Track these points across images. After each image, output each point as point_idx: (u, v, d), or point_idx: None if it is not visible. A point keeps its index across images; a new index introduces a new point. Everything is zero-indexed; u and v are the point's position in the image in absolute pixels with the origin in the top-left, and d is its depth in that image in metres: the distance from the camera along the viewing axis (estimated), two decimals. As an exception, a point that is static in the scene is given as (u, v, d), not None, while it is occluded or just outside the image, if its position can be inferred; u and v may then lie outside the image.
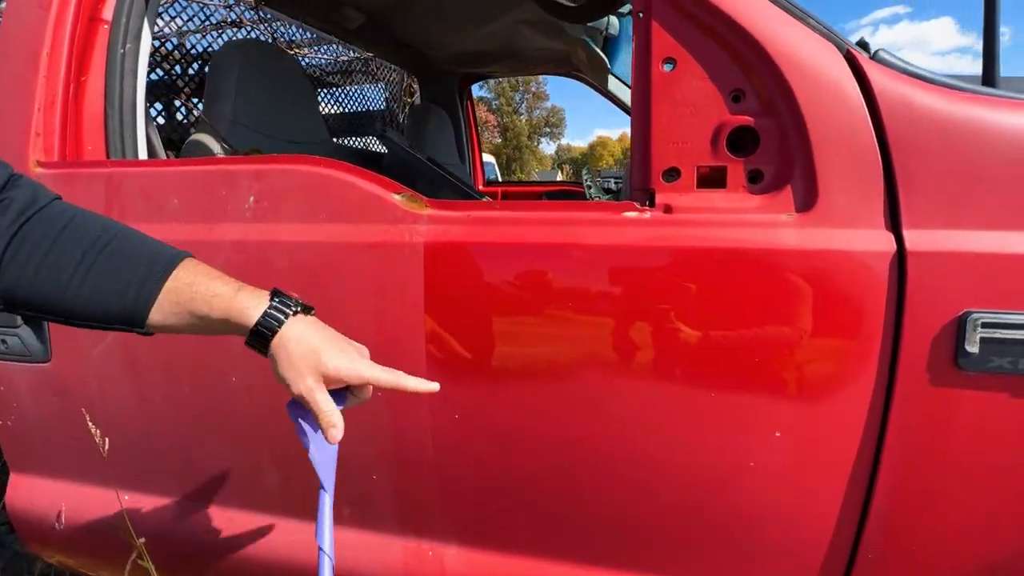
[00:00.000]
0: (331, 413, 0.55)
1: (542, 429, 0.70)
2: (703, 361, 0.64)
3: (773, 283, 0.61)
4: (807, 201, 0.62)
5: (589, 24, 1.67)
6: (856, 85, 0.62)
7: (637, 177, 0.70)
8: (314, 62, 2.25)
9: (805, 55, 0.63)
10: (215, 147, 1.27)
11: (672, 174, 0.68)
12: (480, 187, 2.71)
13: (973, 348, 0.55)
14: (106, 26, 1.03)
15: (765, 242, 0.61)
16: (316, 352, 0.56)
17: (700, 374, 0.64)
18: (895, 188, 0.59)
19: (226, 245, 0.79)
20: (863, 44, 0.79)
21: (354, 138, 2.40)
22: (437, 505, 0.78)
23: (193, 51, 1.75)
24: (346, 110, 2.46)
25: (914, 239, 0.57)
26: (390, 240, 0.73)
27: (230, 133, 1.31)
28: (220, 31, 1.74)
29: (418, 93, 2.67)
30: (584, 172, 2.51)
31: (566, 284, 0.67)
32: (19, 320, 0.93)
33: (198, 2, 1.66)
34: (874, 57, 0.64)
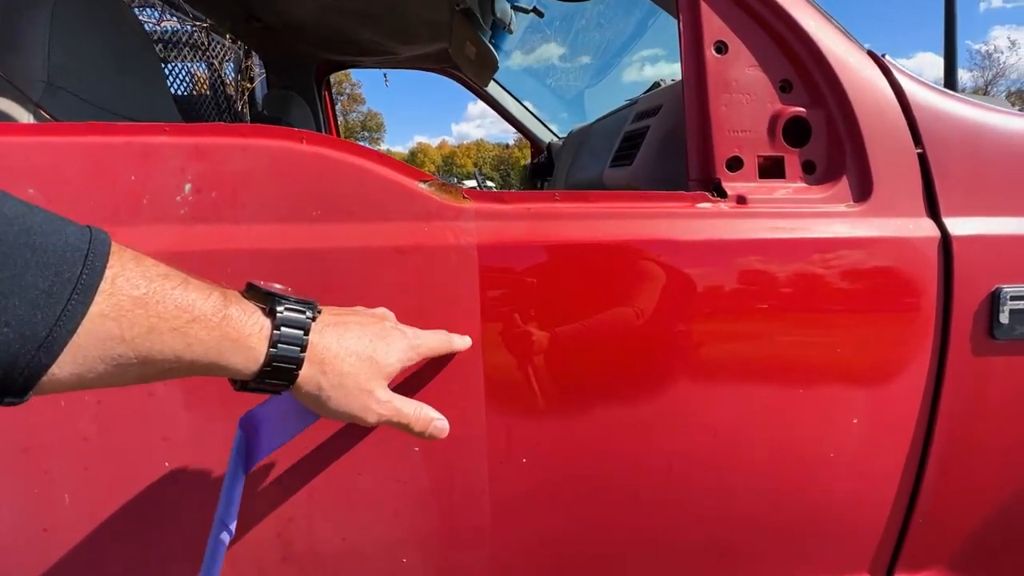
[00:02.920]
0: (427, 415, 0.47)
1: (637, 461, 0.60)
2: (789, 353, 0.61)
3: (847, 271, 0.62)
4: (862, 192, 0.64)
5: (497, 15, 1.59)
6: (888, 83, 0.66)
7: (696, 167, 0.65)
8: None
9: (843, 50, 0.66)
10: (24, 118, 0.86)
11: (735, 163, 0.64)
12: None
13: (1005, 319, 0.63)
14: None
15: (839, 232, 0.62)
16: (369, 359, 0.42)
17: (792, 367, 0.61)
18: (931, 180, 0.65)
19: (150, 258, 0.51)
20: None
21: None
22: None
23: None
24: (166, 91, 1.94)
25: (953, 225, 0.63)
26: (428, 242, 0.55)
27: (47, 100, 0.89)
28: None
29: (261, 78, 2.26)
30: (476, 172, 2.42)
31: (653, 284, 0.58)
32: None
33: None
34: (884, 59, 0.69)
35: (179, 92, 2.07)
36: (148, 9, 1.81)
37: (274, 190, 0.54)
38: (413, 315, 0.55)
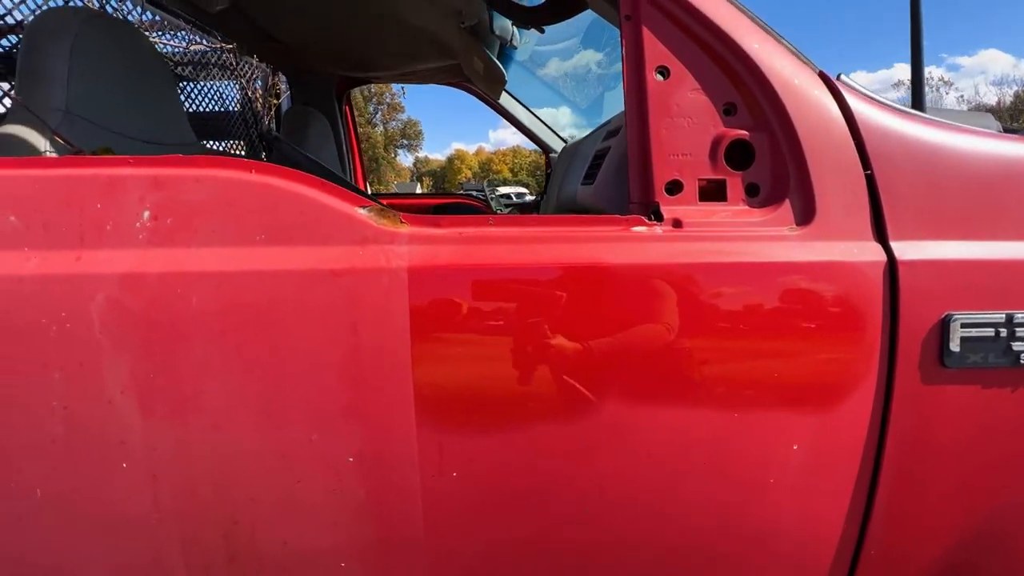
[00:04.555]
0: None
1: (561, 480, 0.62)
2: (726, 378, 0.61)
3: (786, 296, 0.61)
4: (805, 215, 0.64)
5: (496, 33, 1.62)
6: (836, 104, 0.65)
7: (637, 190, 0.66)
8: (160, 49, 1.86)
9: (789, 72, 0.65)
10: (41, 144, 0.95)
11: (674, 187, 0.65)
12: (363, 200, 2.49)
13: (955, 347, 0.60)
14: None
15: (778, 256, 0.61)
16: None
17: (722, 391, 0.61)
18: (879, 201, 0.63)
19: (109, 279, 0.56)
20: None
21: (212, 142, 2.04)
22: (428, 584, 0.64)
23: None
24: (199, 108, 2.08)
25: (901, 249, 0.62)
26: (361, 265, 0.58)
27: (64, 127, 0.98)
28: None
29: (287, 94, 2.38)
30: (485, 184, 2.46)
31: (582, 307, 0.60)
32: None
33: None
34: (838, 79, 0.68)
35: (210, 109, 2.20)
36: (180, 32, 1.94)
37: (224, 217, 0.59)
38: (345, 334, 0.58)
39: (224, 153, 1.94)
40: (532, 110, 2.40)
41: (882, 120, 0.65)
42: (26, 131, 0.93)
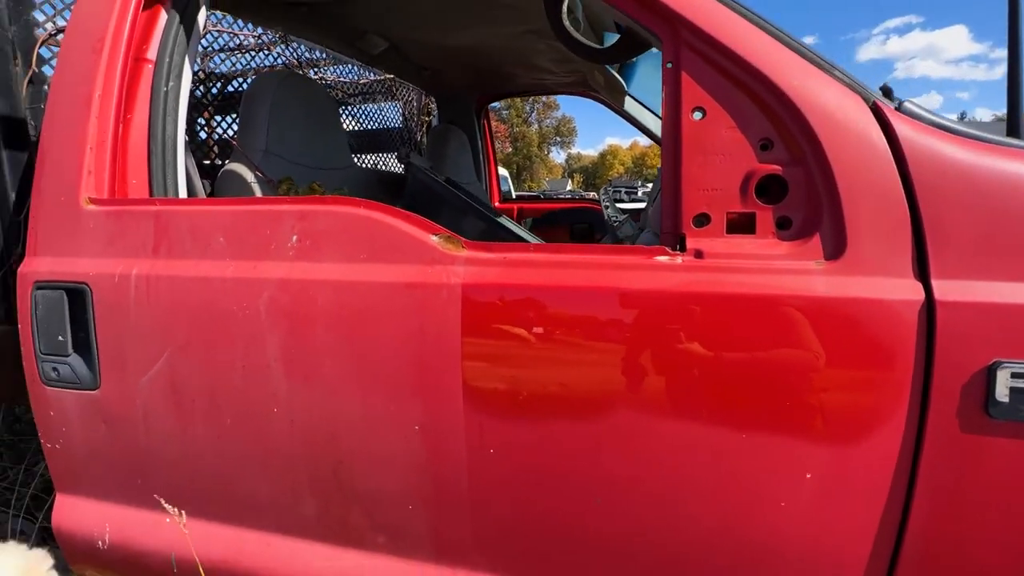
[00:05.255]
0: None
1: (575, 468, 0.72)
2: (732, 403, 0.66)
3: (803, 329, 0.63)
4: (836, 249, 0.64)
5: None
6: (883, 136, 0.64)
7: (667, 221, 0.73)
8: (333, 77, 2.31)
9: (832, 107, 0.66)
10: (248, 176, 1.32)
11: (702, 219, 0.70)
12: (496, 203, 2.75)
13: (1003, 397, 0.56)
14: (150, 65, 1.08)
15: (795, 289, 0.63)
16: None
17: (728, 416, 0.66)
18: (923, 238, 0.61)
19: (270, 283, 0.83)
20: (886, 91, 0.81)
21: (375, 154, 2.47)
22: (470, 538, 0.80)
23: (218, 71, 1.81)
24: (366, 127, 2.52)
25: (943, 289, 0.59)
26: (428, 281, 0.76)
27: (263, 162, 1.35)
28: (248, 54, 1.80)
29: (436, 112, 2.73)
30: (601, 191, 2.54)
31: (601, 326, 0.69)
32: (70, 348, 0.98)
33: (231, 33, 1.72)
34: (899, 108, 0.66)
35: (375, 127, 2.64)
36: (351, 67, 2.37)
37: (341, 241, 0.81)
38: (415, 331, 0.76)
39: (383, 173, 2.33)
40: (658, 114, 2.39)
41: (940, 151, 0.62)
42: (240, 167, 1.31)
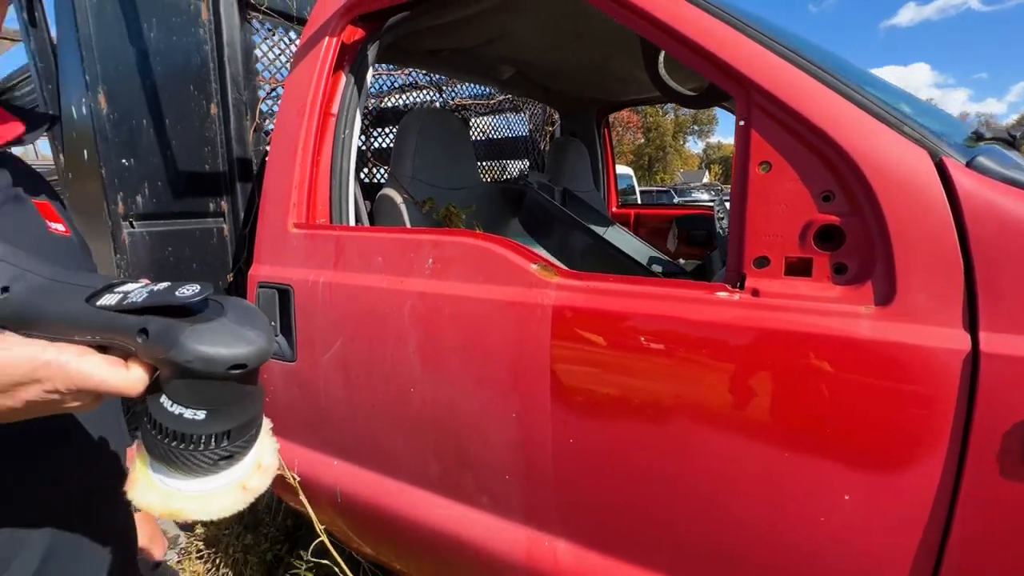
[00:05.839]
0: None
1: (632, 460, 0.87)
2: (774, 433, 0.75)
3: (846, 369, 0.70)
4: (886, 296, 0.70)
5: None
6: (942, 191, 0.68)
7: (732, 261, 0.83)
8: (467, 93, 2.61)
9: (892, 162, 0.71)
10: (399, 198, 1.64)
11: (762, 261, 0.79)
12: (613, 209, 2.86)
13: (1045, 449, 0.59)
14: (333, 118, 1.42)
15: (840, 329, 0.71)
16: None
17: (764, 434, 0.75)
18: (975, 290, 0.65)
19: (412, 294, 1.09)
20: (979, 135, 0.81)
21: (502, 161, 2.75)
22: (553, 508, 0.99)
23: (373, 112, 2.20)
24: (498, 136, 2.80)
25: (990, 341, 0.63)
26: (527, 300, 0.96)
27: (411, 186, 1.66)
28: (403, 94, 2.16)
29: (559, 123, 2.91)
30: (716, 202, 2.51)
31: (664, 349, 0.83)
32: (278, 331, 1.36)
33: (388, 75, 2.09)
34: (971, 163, 0.69)
35: (501, 137, 2.91)
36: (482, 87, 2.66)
37: (463, 265, 1.04)
38: (515, 340, 0.96)
39: (504, 189, 2.58)
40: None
41: (1001, 207, 0.65)
42: (392, 192, 1.63)
